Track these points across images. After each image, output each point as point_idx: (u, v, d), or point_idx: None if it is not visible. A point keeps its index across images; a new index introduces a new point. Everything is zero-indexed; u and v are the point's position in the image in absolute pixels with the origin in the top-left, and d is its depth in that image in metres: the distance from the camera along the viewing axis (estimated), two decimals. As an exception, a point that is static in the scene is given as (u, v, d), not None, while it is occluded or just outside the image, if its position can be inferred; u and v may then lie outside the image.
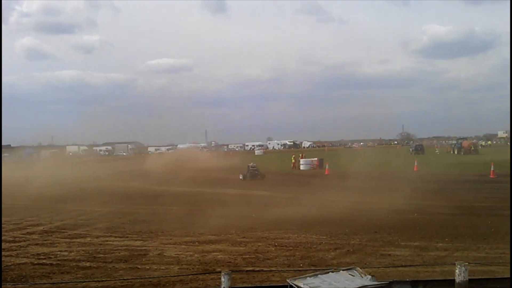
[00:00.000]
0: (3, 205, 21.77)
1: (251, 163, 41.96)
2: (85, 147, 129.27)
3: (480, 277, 9.40)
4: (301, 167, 51.94)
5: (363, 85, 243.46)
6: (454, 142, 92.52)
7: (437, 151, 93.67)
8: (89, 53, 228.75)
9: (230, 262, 12.76)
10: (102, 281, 11.23)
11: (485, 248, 13.87)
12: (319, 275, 7.61)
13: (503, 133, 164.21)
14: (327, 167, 45.88)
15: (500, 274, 10.59)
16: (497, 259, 12.50)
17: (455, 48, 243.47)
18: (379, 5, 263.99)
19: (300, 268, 11.59)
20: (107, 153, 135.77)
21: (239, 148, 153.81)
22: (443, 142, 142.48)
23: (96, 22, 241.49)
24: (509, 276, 9.92)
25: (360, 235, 15.76)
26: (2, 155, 50.03)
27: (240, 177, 39.67)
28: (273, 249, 14.11)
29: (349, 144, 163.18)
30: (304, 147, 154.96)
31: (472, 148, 77.98)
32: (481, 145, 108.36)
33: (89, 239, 16.21)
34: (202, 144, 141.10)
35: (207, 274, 11.23)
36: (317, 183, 34.63)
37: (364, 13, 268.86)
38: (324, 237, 15.50)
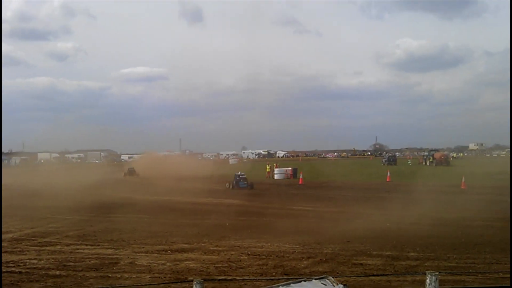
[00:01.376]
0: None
1: (239, 172, 41.00)
2: (57, 155, 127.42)
3: (450, 286, 9.52)
4: (276, 176, 52.00)
5: (337, 96, 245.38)
6: (426, 153, 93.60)
7: (409, 162, 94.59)
8: (63, 60, 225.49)
9: (202, 270, 12.68)
10: (72, 289, 11.06)
11: (455, 258, 14.01)
12: (291, 284, 7.59)
13: (474, 146, 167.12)
14: (301, 176, 46.03)
15: (470, 284, 10.75)
16: (467, 269, 12.66)
17: (428, 62, 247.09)
18: (355, 18, 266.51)
19: (272, 277, 11.57)
20: (79, 160, 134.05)
21: (213, 157, 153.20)
22: (416, 153, 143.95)
23: (71, 30, 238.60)
24: (477, 285, 10.09)
25: (332, 244, 15.81)
26: None
27: (227, 186, 39.28)
28: (246, 258, 14.07)
29: (323, 154, 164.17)
30: (278, 157, 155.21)
31: (444, 160, 79.02)
32: (453, 156, 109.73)
33: (59, 247, 15.95)
34: (176, 152, 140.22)
35: (179, 283, 11.14)
36: (290, 193, 34.69)
37: (340, 26, 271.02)
38: (297, 246, 15.51)
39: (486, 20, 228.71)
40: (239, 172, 40.63)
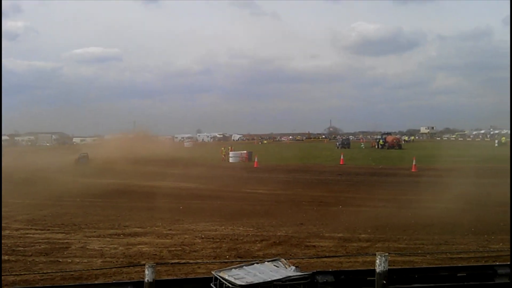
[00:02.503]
0: None
1: None
2: (6, 137, 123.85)
3: (400, 267, 9.73)
4: (230, 160, 52.01)
5: (293, 79, 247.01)
6: (378, 137, 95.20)
7: (362, 145, 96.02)
8: (13, 40, 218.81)
9: (155, 254, 12.60)
10: (21, 274, 10.81)
11: (405, 239, 14.34)
12: (244, 267, 7.63)
13: (425, 129, 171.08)
14: (256, 160, 46.15)
15: (419, 264, 11.01)
16: (416, 250, 12.98)
17: (383, 45, 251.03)
18: (311, 1, 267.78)
19: (226, 260, 11.58)
20: (29, 143, 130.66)
21: (168, 140, 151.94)
22: (369, 137, 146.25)
23: (21, 8, 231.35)
24: (426, 265, 10.35)
25: (286, 227, 15.95)
26: None
27: None
28: (200, 241, 14.05)
29: (278, 137, 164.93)
30: (233, 140, 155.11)
31: (396, 143, 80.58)
32: (405, 140, 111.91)
33: (8, 231, 15.53)
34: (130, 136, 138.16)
35: (131, 267, 11.02)
36: (245, 176, 34.76)
37: (297, 9, 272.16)
38: (251, 229, 15.58)
39: (440, 4, 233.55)
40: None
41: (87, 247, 13.46)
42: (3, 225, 16.61)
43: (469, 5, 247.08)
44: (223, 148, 56.14)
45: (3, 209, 19.98)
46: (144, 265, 7.63)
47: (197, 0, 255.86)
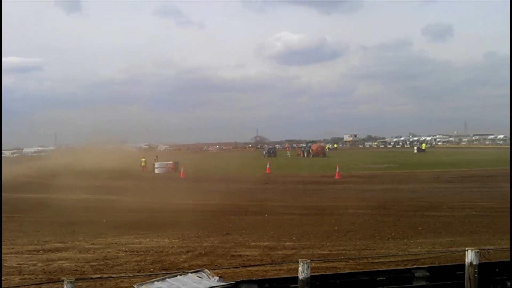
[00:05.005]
0: None
1: None
2: None
3: (323, 273, 9.91)
4: (156, 170, 51.36)
5: (220, 89, 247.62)
6: (304, 145, 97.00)
7: (288, 154, 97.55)
8: None
9: (77, 270, 12.20)
10: None
11: (328, 245, 14.63)
12: (167, 279, 7.55)
13: (348, 137, 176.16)
14: (182, 170, 45.78)
15: (342, 270, 11.25)
16: (339, 256, 13.25)
17: (307, 55, 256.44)
18: (237, 11, 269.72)
19: (150, 273, 11.37)
20: None
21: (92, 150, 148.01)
22: (295, 145, 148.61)
23: None
24: (348, 271, 10.58)
25: (212, 237, 15.90)
26: None
27: None
28: (124, 254, 13.74)
29: (205, 147, 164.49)
30: (159, 150, 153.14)
31: (320, 151, 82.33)
32: (329, 148, 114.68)
33: None
34: (51, 148, 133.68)
35: (50, 284, 10.63)
36: (171, 186, 34.42)
37: (223, 18, 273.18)
38: (176, 241, 15.41)
39: (362, 15, 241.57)
40: None
41: (4, 264, 12.84)
42: None
43: (390, 16, 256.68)
44: (143, 159, 54.62)
45: None
46: (63, 281, 7.38)
47: (122, 10, 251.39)
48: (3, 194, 25.16)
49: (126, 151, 76.17)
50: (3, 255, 13.77)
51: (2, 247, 14.89)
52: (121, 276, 11.28)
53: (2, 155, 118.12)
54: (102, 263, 12.86)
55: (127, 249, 14.34)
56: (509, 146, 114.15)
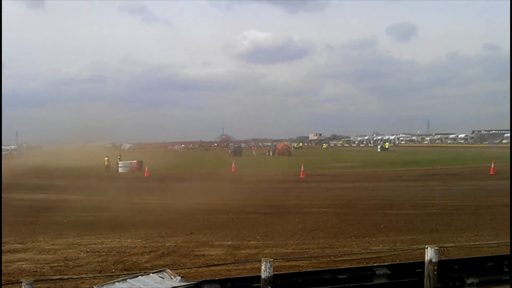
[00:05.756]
0: None
1: None
2: None
3: (285, 272, 9.93)
4: (120, 170, 50.71)
5: (187, 87, 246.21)
6: (269, 144, 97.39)
7: (254, 153, 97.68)
8: None
9: (36, 271, 11.95)
10: None
11: (292, 244, 14.67)
12: (128, 280, 7.44)
13: (313, 136, 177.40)
14: (146, 169, 45.36)
15: (305, 268, 11.31)
16: (302, 254, 13.31)
17: (274, 53, 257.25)
18: (204, 9, 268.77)
19: (112, 274, 11.21)
20: None
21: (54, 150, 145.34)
22: (261, 144, 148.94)
23: None
24: (310, 269, 10.64)
25: (175, 237, 15.79)
26: None
27: None
28: (85, 255, 13.52)
29: (170, 146, 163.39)
30: (124, 149, 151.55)
31: (286, 150, 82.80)
32: (294, 147, 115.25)
33: None
34: (12, 146, 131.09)
35: (8, 286, 10.38)
36: (135, 186, 34.08)
37: (190, 16, 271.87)
38: (139, 241, 15.24)
39: (328, 15, 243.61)
40: None
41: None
42: None
43: (356, 16, 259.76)
44: (106, 158, 53.78)
45: None
46: (21, 282, 7.21)
47: (87, 6, 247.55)
48: None
49: (90, 150, 74.70)
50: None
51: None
52: (82, 277, 11.09)
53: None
54: (63, 264, 12.63)
55: (88, 250, 14.11)
56: (470, 145, 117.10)
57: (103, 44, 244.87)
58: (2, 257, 13.47)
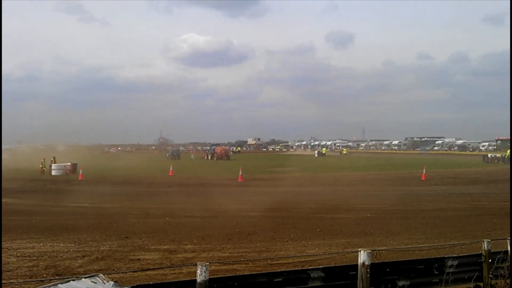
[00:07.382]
0: None
1: None
2: None
3: (222, 275, 9.92)
4: (53, 172, 49.13)
5: (124, 89, 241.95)
6: (208, 148, 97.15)
7: (192, 156, 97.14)
8: None
9: (-39, 277, 11.44)
10: None
11: (229, 248, 14.69)
12: (59, 285, 7.24)
13: (252, 140, 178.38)
14: (81, 172, 44.23)
15: (241, 272, 11.31)
16: (239, 258, 13.33)
17: (214, 57, 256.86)
18: (143, 10, 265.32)
19: (43, 278, 10.87)
20: None
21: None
22: (199, 148, 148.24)
23: None
24: (247, 273, 10.67)
25: (110, 241, 15.47)
26: None
27: None
28: (15, 260, 13.04)
29: (106, 148, 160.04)
30: (58, 151, 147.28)
31: (224, 154, 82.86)
32: (233, 151, 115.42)
33: None
34: None
35: None
36: (68, 189, 33.17)
37: (128, 17, 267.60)
38: (72, 245, 14.85)
39: (268, 20, 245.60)
40: None
41: None
42: None
43: (296, 22, 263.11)
44: (43, 160, 52.06)
45: None
46: None
47: (20, 5, 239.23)
48: None
49: (21, 152, 72.15)
50: None
51: None
52: (12, 283, 10.68)
53: None
54: (-9, 269, 12.14)
55: (18, 254, 13.63)
56: (403, 151, 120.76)
57: (37, 43, 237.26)
58: None
